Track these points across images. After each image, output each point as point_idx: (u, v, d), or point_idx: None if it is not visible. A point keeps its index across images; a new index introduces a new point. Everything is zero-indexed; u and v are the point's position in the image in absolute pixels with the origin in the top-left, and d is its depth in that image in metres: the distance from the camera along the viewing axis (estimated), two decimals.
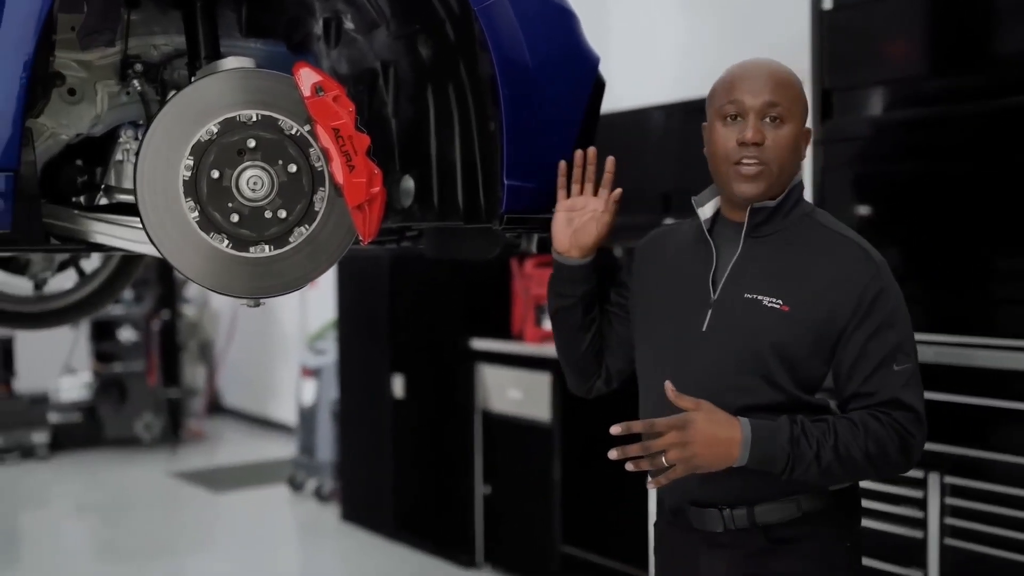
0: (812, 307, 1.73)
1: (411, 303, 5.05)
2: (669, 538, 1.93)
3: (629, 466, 1.67)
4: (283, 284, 1.83)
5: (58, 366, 7.52)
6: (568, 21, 2.04)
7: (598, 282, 1.99)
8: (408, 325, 5.07)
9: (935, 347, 2.81)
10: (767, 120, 1.76)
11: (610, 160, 1.94)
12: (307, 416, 6.03)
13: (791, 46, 3.24)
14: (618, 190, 1.94)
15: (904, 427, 1.71)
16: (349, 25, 2.11)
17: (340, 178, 1.78)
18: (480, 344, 4.67)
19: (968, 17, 2.89)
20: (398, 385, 5.07)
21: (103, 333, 7.48)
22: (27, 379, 7.34)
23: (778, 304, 1.74)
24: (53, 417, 7.35)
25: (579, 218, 1.92)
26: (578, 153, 1.95)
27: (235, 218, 1.77)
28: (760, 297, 1.76)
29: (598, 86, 2.08)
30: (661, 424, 1.65)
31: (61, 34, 1.92)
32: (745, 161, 1.76)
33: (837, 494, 1.81)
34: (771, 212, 1.80)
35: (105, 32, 1.97)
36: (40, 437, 7.16)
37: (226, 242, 1.77)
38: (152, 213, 1.75)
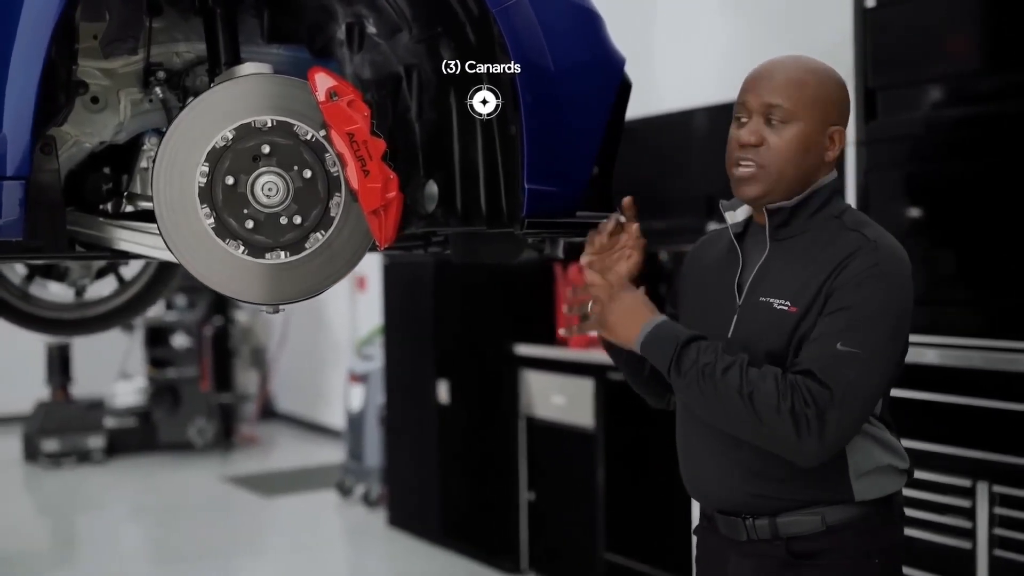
0: (814, 304, 1.68)
1: (456, 309, 5.04)
2: (705, 543, 1.92)
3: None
4: (300, 290, 1.82)
5: (113, 372, 7.65)
6: (592, 22, 2.00)
7: None
8: (453, 331, 5.06)
9: (984, 352, 2.74)
10: (769, 122, 1.72)
11: (627, 200, 1.89)
12: (355, 422, 6.05)
13: (834, 45, 3.18)
14: (635, 224, 1.88)
15: (804, 392, 1.59)
16: (371, 30, 2.09)
17: (355, 183, 1.76)
18: (524, 350, 4.64)
19: (1013, 12, 2.81)
20: (443, 391, 5.06)
21: (157, 339, 7.59)
22: (84, 385, 7.48)
23: (786, 306, 1.71)
24: (109, 422, 7.47)
25: (608, 259, 1.87)
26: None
27: (250, 224, 1.76)
28: (771, 300, 1.73)
29: (623, 89, 2.04)
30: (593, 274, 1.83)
31: (84, 43, 1.93)
32: (742, 163, 1.74)
33: (868, 505, 1.75)
34: (791, 213, 1.76)
35: (128, 40, 1.99)
36: (96, 442, 7.28)
37: (242, 248, 1.76)
38: (168, 219, 1.75)
